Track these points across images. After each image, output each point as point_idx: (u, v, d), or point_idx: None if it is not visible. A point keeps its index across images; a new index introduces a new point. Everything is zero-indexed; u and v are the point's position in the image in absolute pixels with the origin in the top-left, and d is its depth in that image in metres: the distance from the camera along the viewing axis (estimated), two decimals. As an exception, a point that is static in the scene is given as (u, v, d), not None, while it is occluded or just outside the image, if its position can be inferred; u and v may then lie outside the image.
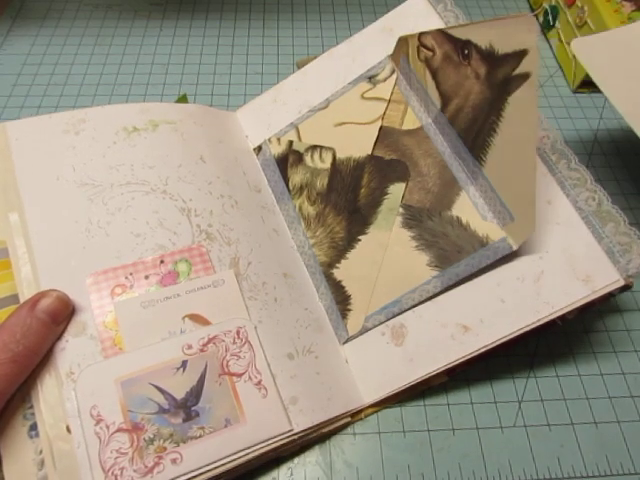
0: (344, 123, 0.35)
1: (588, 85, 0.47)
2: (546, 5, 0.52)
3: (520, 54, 0.27)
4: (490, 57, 0.28)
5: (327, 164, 0.34)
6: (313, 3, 0.55)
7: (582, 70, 0.46)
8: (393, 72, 0.35)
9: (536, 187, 0.29)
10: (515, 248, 0.28)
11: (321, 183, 0.34)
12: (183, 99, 0.45)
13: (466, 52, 0.30)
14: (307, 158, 0.35)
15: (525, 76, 0.26)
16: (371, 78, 0.35)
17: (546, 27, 0.52)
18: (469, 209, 0.30)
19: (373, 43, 0.36)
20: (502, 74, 0.28)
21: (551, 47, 0.51)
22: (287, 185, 0.35)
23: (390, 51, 0.35)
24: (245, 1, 0.54)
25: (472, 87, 0.30)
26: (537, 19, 0.54)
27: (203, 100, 0.45)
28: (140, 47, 0.49)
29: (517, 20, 0.27)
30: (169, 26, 0.51)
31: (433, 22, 0.35)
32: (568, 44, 0.48)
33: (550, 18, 0.51)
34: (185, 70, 0.48)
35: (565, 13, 0.49)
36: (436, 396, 0.31)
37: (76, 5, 0.52)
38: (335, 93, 0.36)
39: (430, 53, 0.32)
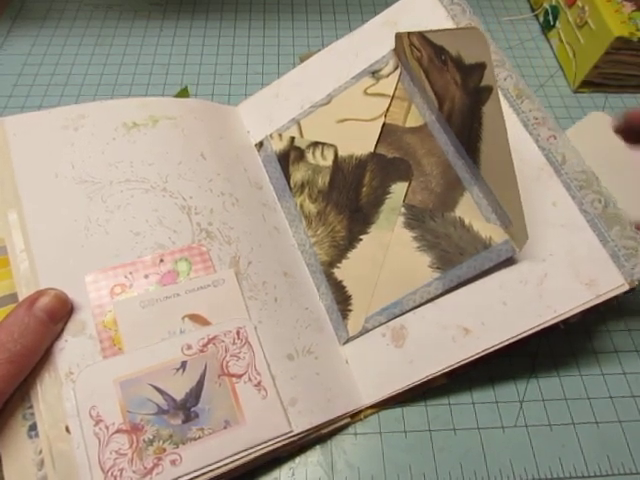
0: (346, 119, 0.35)
1: (588, 85, 0.47)
2: (546, 5, 0.52)
3: (481, 66, 0.26)
4: (460, 66, 0.28)
5: (329, 161, 0.34)
6: (313, 3, 0.55)
7: (582, 70, 0.46)
8: (397, 67, 0.34)
9: (536, 191, 0.28)
10: (518, 251, 0.27)
11: (323, 181, 0.34)
12: (184, 92, 0.45)
13: (443, 58, 0.29)
14: (309, 155, 0.35)
15: (489, 89, 0.26)
16: (374, 73, 0.35)
17: (546, 27, 0.52)
18: (472, 210, 0.30)
19: (377, 37, 0.36)
20: (472, 83, 0.27)
21: (551, 47, 0.51)
22: (288, 182, 0.35)
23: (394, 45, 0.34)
24: (245, 1, 0.54)
25: (455, 92, 0.29)
26: (537, 19, 0.54)
27: (203, 100, 0.45)
28: (140, 47, 0.49)
29: (468, 33, 0.26)
30: (169, 26, 0.51)
31: (439, 15, 0.34)
32: (569, 44, 0.48)
33: (550, 18, 0.51)
34: (186, 70, 0.48)
35: (565, 13, 0.49)
36: (437, 396, 0.31)
37: (76, 5, 0.52)
38: (338, 88, 0.36)
39: (419, 53, 0.32)
